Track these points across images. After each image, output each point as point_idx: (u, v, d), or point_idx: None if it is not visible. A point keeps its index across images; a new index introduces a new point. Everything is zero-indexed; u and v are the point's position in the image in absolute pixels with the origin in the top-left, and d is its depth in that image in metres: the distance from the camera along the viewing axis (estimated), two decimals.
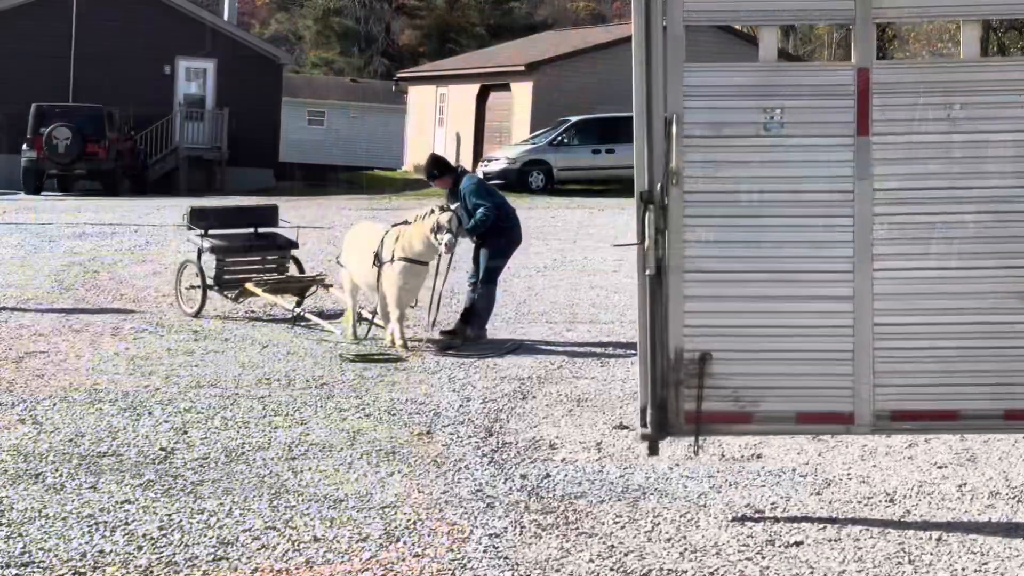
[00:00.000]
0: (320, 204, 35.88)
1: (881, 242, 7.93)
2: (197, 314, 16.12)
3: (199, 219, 16.72)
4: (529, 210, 29.46)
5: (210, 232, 16.62)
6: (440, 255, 14.16)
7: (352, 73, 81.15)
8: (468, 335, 14.68)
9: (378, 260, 14.30)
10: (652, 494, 8.74)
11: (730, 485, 8.93)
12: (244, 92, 47.37)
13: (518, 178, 39.97)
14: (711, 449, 9.69)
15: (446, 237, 13.74)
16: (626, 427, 10.66)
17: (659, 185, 8.01)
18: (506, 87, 47.38)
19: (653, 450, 8.34)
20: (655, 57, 8.00)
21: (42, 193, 41.04)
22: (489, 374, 12.90)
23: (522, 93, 46.05)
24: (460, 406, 11.47)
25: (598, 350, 14.22)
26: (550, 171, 40.64)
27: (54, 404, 11.13)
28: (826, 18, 8.33)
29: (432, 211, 14.06)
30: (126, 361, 13.23)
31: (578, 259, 22.34)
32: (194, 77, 48.22)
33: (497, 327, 15.31)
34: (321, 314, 16.19)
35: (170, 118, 46.44)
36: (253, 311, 16.71)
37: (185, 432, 10.29)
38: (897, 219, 7.94)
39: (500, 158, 40.83)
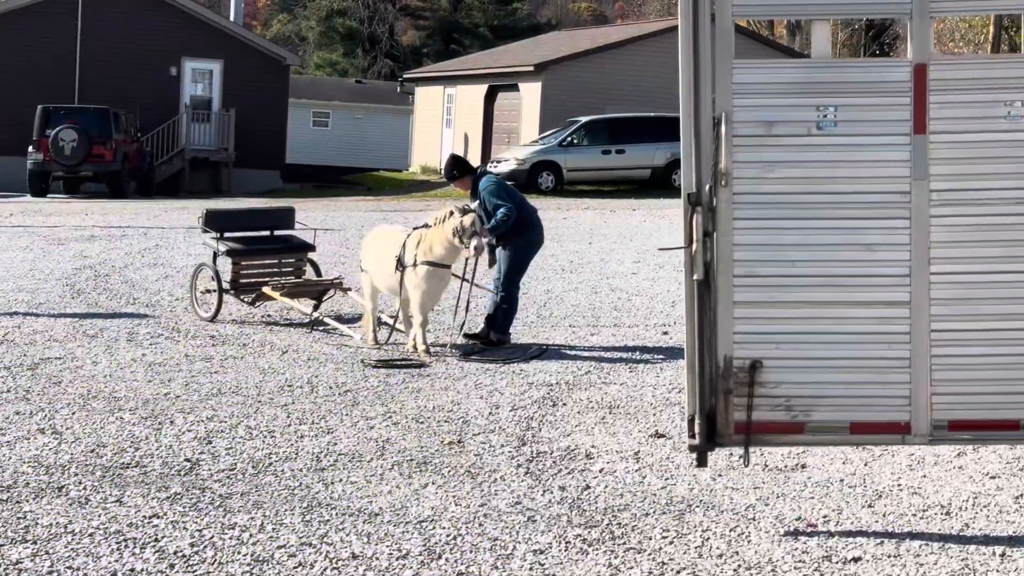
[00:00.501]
0: (328, 206, 35.60)
1: (939, 245, 7.63)
2: (213, 318, 15.83)
3: (214, 222, 16.42)
4: (540, 211, 28.85)
5: (225, 235, 16.33)
6: (467, 258, 13.88)
7: (356, 74, 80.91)
8: (492, 339, 14.39)
9: (400, 264, 14.01)
10: (698, 507, 8.43)
11: (778, 497, 8.63)
12: (250, 93, 47.14)
13: (527, 179, 39.61)
14: (753, 459, 9.36)
15: (474, 240, 13.44)
16: (662, 435, 10.37)
17: (707, 186, 7.71)
18: (514, 87, 47.07)
19: (701, 461, 8.04)
20: (703, 54, 7.69)
21: (48, 195, 40.77)
22: (516, 380, 12.61)
23: (531, 93, 45.75)
24: (490, 414, 11.17)
25: (624, 355, 13.92)
26: (560, 172, 40.32)
27: (73, 413, 10.84)
28: (882, 12, 8.01)
29: (451, 213, 13.75)
30: (144, 367, 12.94)
31: (595, 261, 22.05)
32: (200, 78, 47.95)
33: (519, 331, 15.03)
34: (339, 318, 15.91)
35: (176, 119, 46.19)
36: (269, 315, 16.42)
37: (209, 442, 10.00)
38: (955, 221, 7.64)
39: (509, 159, 40.52)
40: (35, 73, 44.91)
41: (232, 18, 51.65)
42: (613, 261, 22.08)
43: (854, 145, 7.68)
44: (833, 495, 8.67)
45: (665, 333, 15.19)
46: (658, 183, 40.92)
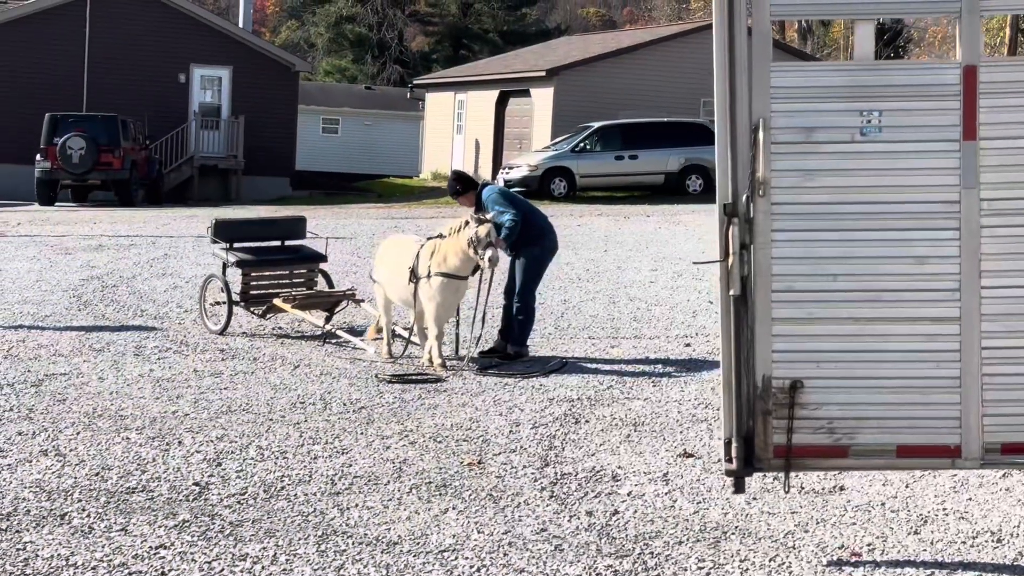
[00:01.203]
0: (338, 213, 35.18)
1: (990, 257, 7.20)
2: (223, 331, 15.43)
3: (223, 232, 16.01)
4: (553, 218, 28.26)
5: (235, 245, 15.92)
6: (482, 269, 13.46)
7: (365, 81, 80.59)
8: (509, 353, 13.98)
9: (414, 275, 13.60)
10: (733, 534, 8.01)
11: (817, 523, 8.20)
12: (260, 100, 46.79)
13: (540, 185, 39.24)
14: (761, 473, 8.95)
15: (489, 252, 13.03)
16: (691, 455, 9.95)
17: (744, 196, 7.29)
18: (526, 93, 46.65)
19: (738, 488, 7.61)
20: (739, 57, 7.27)
21: (56, 204, 40.38)
22: (536, 396, 12.19)
23: (543, 99, 45.34)
24: (510, 432, 10.75)
25: (647, 368, 13.50)
26: (572, 178, 39.89)
27: (77, 432, 10.44)
28: (929, 11, 7.59)
29: (467, 223, 13.32)
30: (151, 384, 12.54)
31: (611, 269, 21.61)
32: (209, 85, 47.58)
33: (537, 343, 14.62)
34: (351, 330, 15.50)
35: (185, 127, 45.83)
36: (280, 327, 16.02)
37: (219, 464, 9.59)
38: (1008, 232, 7.21)
39: (521, 165, 40.10)
40: (42, 81, 44.57)
41: (241, 24, 51.30)
42: (630, 269, 21.65)
43: (899, 152, 7.25)
44: (876, 520, 8.24)
45: (687, 345, 14.76)
46: (672, 189, 40.51)
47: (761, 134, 7.26)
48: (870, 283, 7.29)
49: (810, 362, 7.34)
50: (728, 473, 7.51)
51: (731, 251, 7.32)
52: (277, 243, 16.35)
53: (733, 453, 7.43)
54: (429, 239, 13.73)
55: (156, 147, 44.43)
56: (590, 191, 40.61)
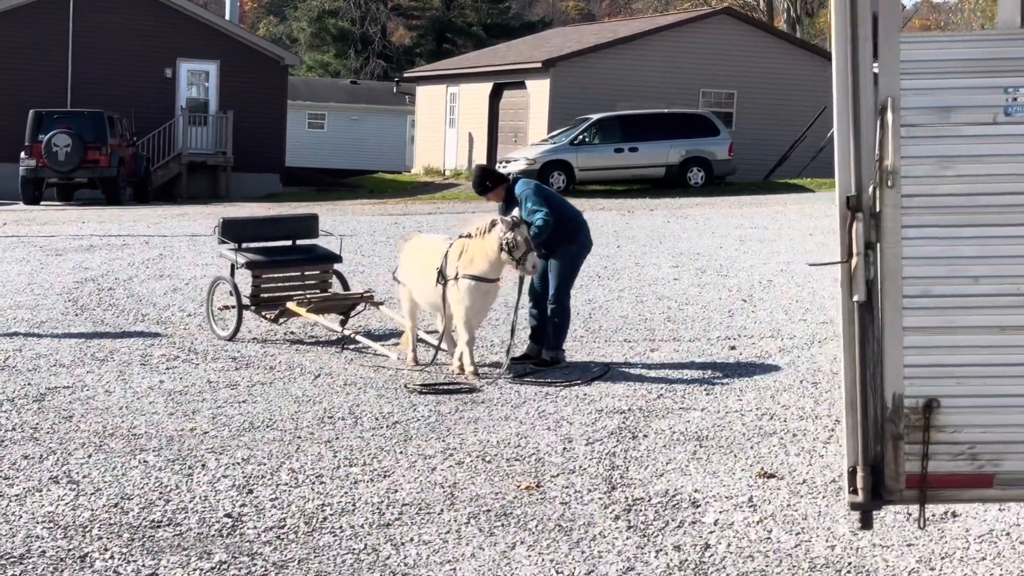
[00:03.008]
0: (332, 210, 34.09)
1: None
2: (232, 337, 14.45)
3: (231, 231, 15.00)
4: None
5: (244, 246, 14.92)
6: (520, 276, 12.52)
7: (348, 75, 79.70)
8: (545, 359, 13.01)
9: (442, 277, 12.62)
10: (847, 572, 7.04)
11: (941, 558, 7.24)
12: (248, 95, 45.75)
13: (538, 179, 38.11)
14: (892, 506, 7.98)
15: (531, 258, 12.09)
16: (771, 475, 8.99)
17: (870, 188, 6.31)
18: (521, 85, 45.64)
19: (865, 523, 6.59)
20: (862, 27, 6.29)
21: (42, 203, 39.28)
22: (582, 407, 11.23)
23: (539, 91, 44.33)
24: (564, 449, 9.78)
25: (694, 374, 12.55)
26: (571, 171, 38.93)
27: (89, 455, 9.45)
28: None
29: (493, 223, 12.32)
30: (163, 397, 11.54)
31: (630, 266, 20.64)
32: (196, 80, 46.50)
33: (569, 347, 13.68)
34: (369, 334, 14.54)
35: (172, 123, 44.74)
36: (293, 332, 15.04)
37: (250, 491, 8.60)
38: None
39: (519, 159, 39.09)
40: (26, 76, 43.47)
41: (228, 17, 50.20)
42: (649, 266, 20.69)
43: None
44: (1005, 554, 7.29)
45: (733, 348, 13.82)
46: (673, 182, 39.60)
47: (889, 116, 6.28)
48: (1017, 286, 6.32)
49: (948, 378, 6.36)
50: (853, 507, 6.52)
51: (855, 251, 6.35)
52: (288, 243, 15.35)
53: (859, 484, 6.45)
54: (460, 237, 12.73)
55: (143, 144, 43.34)
56: (589, 185, 39.67)
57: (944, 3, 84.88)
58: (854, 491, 6.47)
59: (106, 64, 44.21)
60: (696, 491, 8.64)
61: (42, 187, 39.58)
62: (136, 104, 43.47)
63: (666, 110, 41.08)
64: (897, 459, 6.39)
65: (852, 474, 6.47)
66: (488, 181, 13.22)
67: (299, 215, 16.56)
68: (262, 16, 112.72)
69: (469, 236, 12.59)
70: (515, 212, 12.67)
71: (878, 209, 6.34)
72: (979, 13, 55.42)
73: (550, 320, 13.07)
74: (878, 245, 6.37)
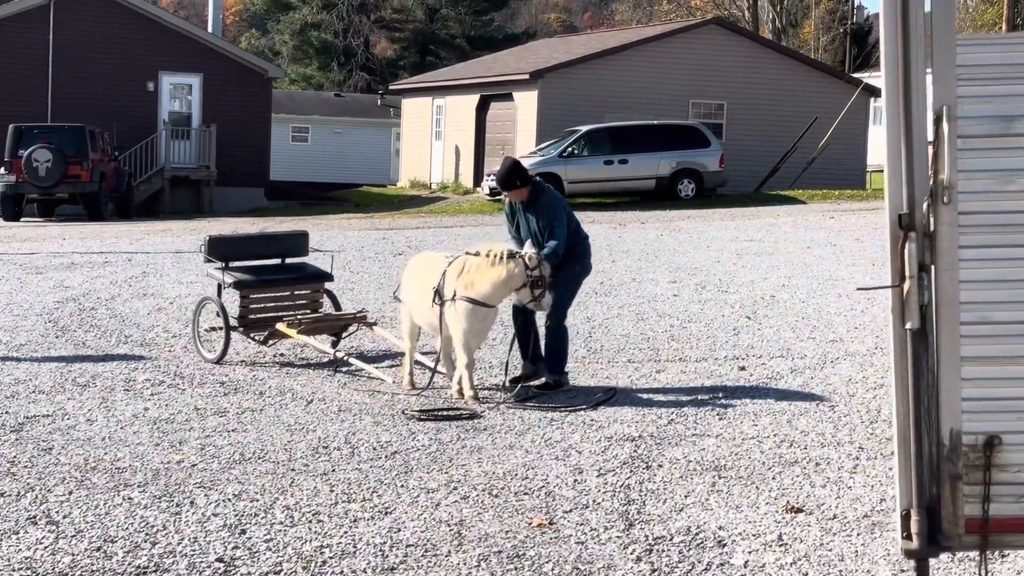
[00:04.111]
0: (318, 224, 33.51)
1: None
2: (219, 360, 13.88)
3: (218, 249, 14.41)
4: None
5: (231, 264, 14.35)
6: (526, 304, 12.00)
7: (331, 88, 79.27)
8: (548, 383, 12.45)
9: (439, 297, 12.05)
10: None
11: None
12: (232, 108, 45.18)
13: None
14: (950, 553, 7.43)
15: (547, 297, 11.64)
16: (799, 509, 8.42)
17: (924, 205, 5.76)
18: (508, 96, 45.08)
19: (922, 572, 6.04)
20: (914, 27, 5.74)
21: (22, 219, 38.64)
22: (590, 434, 10.66)
23: (526, 102, 43.78)
24: (575, 481, 9.21)
25: (704, 397, 12.00)
26: (561, 184, 38.33)
27: (70, 492, 8.85)
28: None
29: (511, 255, 11.74)
30: (148, 426, 10.96)
31: (627, 282, 20.11)
32: (179, 93, 45.91)
33: (571, 368, 13.13)
34: (361, 356, 13.97)
35: (155, 137, 44.15)
36: (282, 355, 14.47)
37: (243, 531, 8.01)
38: None
39: None
40: (6, 90, 42.86)
41: (210, 29, 49.62)
42: (647, 281, 20.14)
43: None
44: None
45: (742, 369, 13.27)
46: (663, 194, 39.10)
47: (945, 126, 5.74)
48: None
49: (1010, 412, 5.81)
50: (908, 554, 5.96)
51: (907, 274, 5.79)
52: (277, 261, 14.78)
53: (913, 529, 5.89)
54: (467, 254, 12.13)
55: (125, 158, 42.74)
56: (579, 197, 39.11)
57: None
58: (908, 537, 5.92)
59: (87, 77, 43.63)
60: (721, 528, 8.07)
61: (22, 203, 38.96)
62: (118, 118, 42.87)
63: (656, 121, 40.60)
64: (955, 502, 5.84)
65: (906, 518, 5.92)
66: (519, 179, 12.56)
67: (288, 232, 15.99)
68: (244, 29, 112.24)
69: (477, 254, 12.00)
70: (528, 246, 12.06)
71: (932, 228, 5.79)
72: (969, 22, 54.99)
73: (547, 343, 12.50)
74: (932, 267, 5.82)
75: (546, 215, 12.25)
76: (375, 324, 14.23)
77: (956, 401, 5.83)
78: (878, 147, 52.72)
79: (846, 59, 78.60)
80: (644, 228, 30.80)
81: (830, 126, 43.49)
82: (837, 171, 44.46)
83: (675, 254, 24.14)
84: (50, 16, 43.60)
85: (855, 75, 50.44)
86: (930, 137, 5.79)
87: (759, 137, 44.26)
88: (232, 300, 14.55)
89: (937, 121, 5.76)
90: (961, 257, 5.81)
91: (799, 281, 19.77)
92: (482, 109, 46.72)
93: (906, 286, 5.80)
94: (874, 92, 47.66)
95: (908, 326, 5.82)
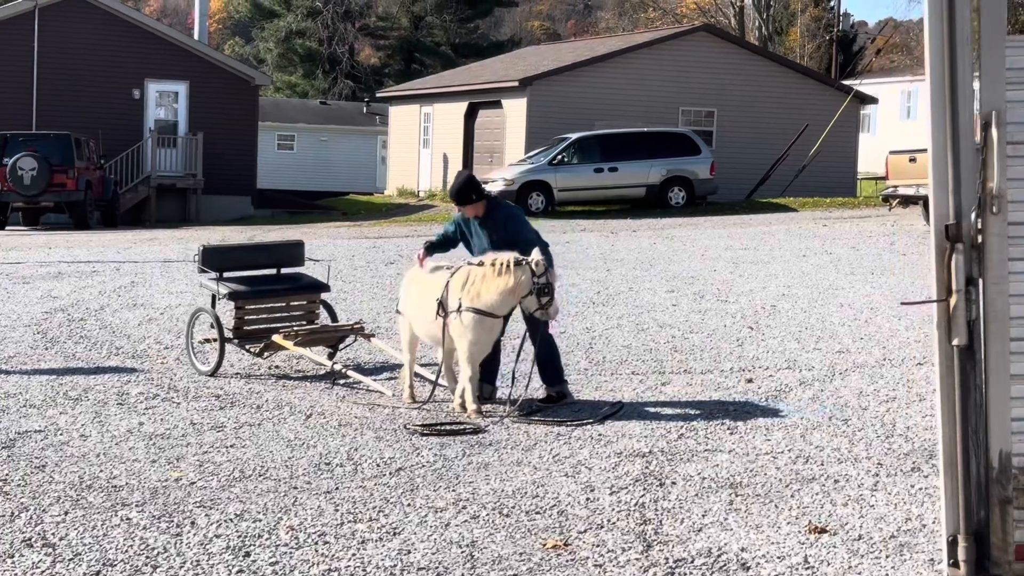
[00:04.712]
0: (306, 233, 33.09)
1: None
2: (214, 372, 13.57)
3: (213, 260, 14.10)
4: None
5: (225, 275, 14.03)
6: (534, 312, 11.69)
7: (316, 96, 78.98)
8: (552, 395, 12.15)
9: (443, 308, 11.74)
10: None
11: None
12: (218, 115, 44.83)
13: (517, 200, 37.41)
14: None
15: (556, 304, 11.35)
16: (824, 530, 8.13)
17: (972, 215, 5.48)
18: (497, 104, 44.79)
19: None
20: (960, 29, 5.47)
21: (7, 227, 38.27)
22: (599, 449, 10.37)
23: (515, 110, 43.49)
24: (587, 500, 8.91)
25: (713, 411, 11.72)
26: (551, 192, 38.10)
27: (66, 512, 8.53)
28: None
29: (516, 263, 11.44)
30: (144, 441, 10.65)
31: (623, 291, 19.83)
32: (165, 101, 45.56)
33: (575, 380, 12.88)
34: (359, 368, 13.67)
35: (141, 145, 43.80)
36: (278, 367, 14.16)
37: (247, 554, 7.70)
38: None
39: (497, 179, 38.22)
40: None
41: (197, 36, 49.27)
42: (644, 291, 19.87)
43: None
44: None
45: (749, 381, 12.99)
46: (653, 202, 38.85)
47: (994, 131, 5.48)
48: None
49: None
50: None
51: (954, 287, 5.53)
52: (272, 271, 14.48)
53: (960, 555, 5.63)
54: (468, 264, 11.83)
55: (111, 166, 42.40)
56: (569, 205, 38.87)
57: (908, 21, 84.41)
58: (954, 564, 5.66)
59: (73, 85, 43.28)
60: (743, 550, 7.77)
61: (7, 211, 38.62)
62: (103, 126, 42.50)
63: (646, 129, 40.34)
64: (1005, 527, 5.58)
65: (952, 544, 5.66)
66: (474, 193, 12.28)
67: (284, 242, 15.70)
68: (227, 37, 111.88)
69: (480, 264, 11.70)
70: (536, 252, 11.76)
71: (981, 239, 5.52)
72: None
73: (538, 357, 12.13)
74: (980, 281, 5.55)
75: (509, 226, 11.99)
76: (372, 336, 13.93)
77: (1006, 421, 5.56)
78: (868, 155, 52.71)
79: (831, 67, 78.46)
80: (636, 236, 30.53)
81: (820, 133, 43.29)
82: (828, 179, 44.23)
83: (670, 263, 23.87)
84: (35, 23, 43.24)
85: (845, 82, 50.20)
86: (977, 143, 5.54)
87: (749, 144, 44.02)
88: (227, 311, 14.24)
89: (985, 127, 5.49)
90: (1011, 270, 5.55)
91: (799, 291, 19.50)
92: (470, 116, 46.44)
93: (953, 300, 5.55)
94: (865, 99, 47.45)
95: (955, 342, 5.56)
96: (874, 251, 25.63)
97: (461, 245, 12.56)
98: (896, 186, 30.12)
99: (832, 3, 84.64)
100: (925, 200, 29.39)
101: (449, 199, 13.25)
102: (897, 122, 63.59)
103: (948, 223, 5.53)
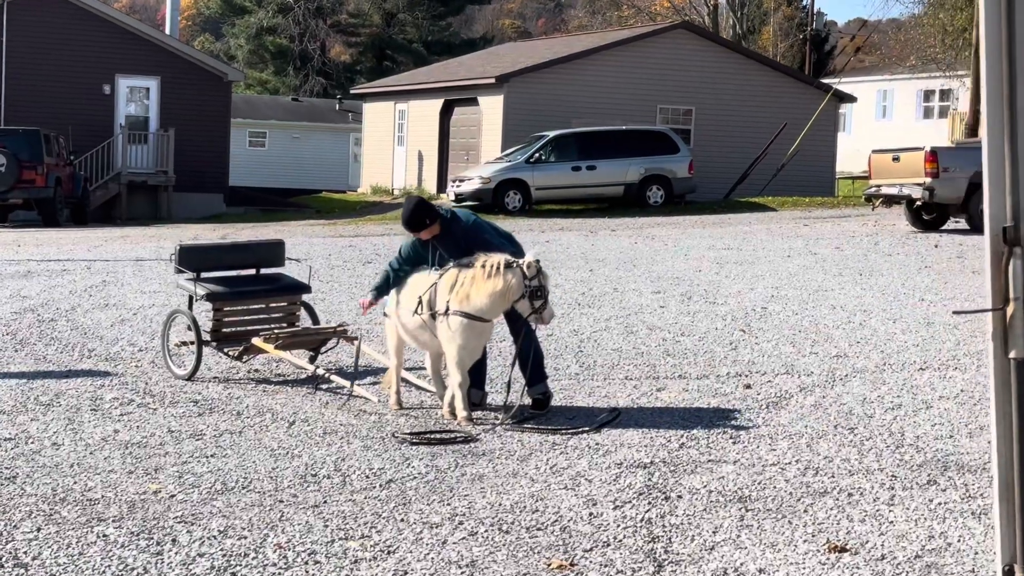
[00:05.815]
0: (280, 231, 32.68)
1: None
2: (191, 377, 13.09)
3: (190, 259, 13.60)
4: (515, 235, 26.18)
5: (203, 275, 13.54)
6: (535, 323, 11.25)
7: (287, 93, 78.46)
8: (539, 398, 11.69)
9: (429, 310, 11.27)
10: None
11: None
12: (190, 112, 44.25)
13: (494, 199, 37.02)
14: None
15: (549, 307, 10.95)
16: (843, 548, 7.68)
17: None
18: (473, 101, 44.31)
19: None
20: (1020, 21, 5.02)
21: None
22: (597, 459, 9.91)
23: (492, 107, 43.02)
24: (590, 515, 8.45)
25: (713, 418, 11.28)
26: (527, 191, 37.65)
27: (38, 528, 8.03)
28: None
29: (507, 264, 10.98)
30: (120, 450, 10.15)
31: (608, 292, 19.38)
32: (136, 96, 44.95)
33: (566, 386, 12.40)
34: (341, 371, 13.18)
35: (111, 141, 43.19)
36: (258, 370, 13.68)
37: (233, 574, 7.21)
38: None
39: (473, 177, 37.80)
40: None
41: (168, 32, 48.67)
42: (629, 291, 19.43)
43: None
44: None
45: (748, 387, 12.55)
46: (631, 201, 38.46)
47: None
48: None
49: None
50: None
51: (1012, 295, 5.08)
52: (251, 272, 13.99)
53: None
54: (457, 265, 11.35)
55: (81, 163, 41.79)
56: (546, 204, 38.44)
57: (878, 21, 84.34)
58: None
59: (42, 80, 42.65)
60: (761, 571, 7.32)
61: None
62: (73, 121, 41.88)
63: (624, 127, 39.93)
64: None
65: (1008, 574, 5.18)
66: (427, 217, 11.73)
67: (263, 241, 15.21)
68: (197, 33, 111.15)
69: (469, 266, 11.22)
70: (530, 254, 11.31)
71: None
72: (940, 29, 54.56)
73: (522, 356, 11.65)
74: None
75: (470, 236, 11.49)
76: (356, 339, 13.45)
77: None
78: (846, 154, 52.42)
79: (804, 65, 78.19)
80: (616, 236, 30.11)
81: (799, 132, 42.94)
82: (806, 178, 43.90)
83: (653, 263, 23.44)
84: (3, 17, 42.61)
85: (824, 81, 49.88)
86: None
87: (727, 143, 43.65)
88: (204, 313, 13.74)
89: None
90: None
91: (788, 292, 19.09)
92: (446, 114, 45.96)
93: (1010, 309, 5.09)
94: (844, 98, 47.12)
95: (1012, 355, 5.11)
96: (859, 252, 25.25)
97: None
98: (879, 185, 29.74)
99: (805, 2, 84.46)
100: (908, 200, 29.04)
101: (426, 198, 12.71)
102: (872, 122, 63.35)
103: (1005, 225, 5.08)
